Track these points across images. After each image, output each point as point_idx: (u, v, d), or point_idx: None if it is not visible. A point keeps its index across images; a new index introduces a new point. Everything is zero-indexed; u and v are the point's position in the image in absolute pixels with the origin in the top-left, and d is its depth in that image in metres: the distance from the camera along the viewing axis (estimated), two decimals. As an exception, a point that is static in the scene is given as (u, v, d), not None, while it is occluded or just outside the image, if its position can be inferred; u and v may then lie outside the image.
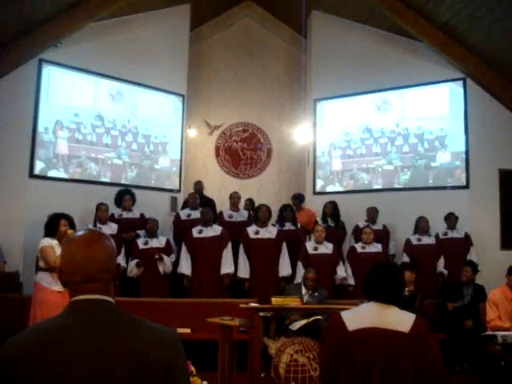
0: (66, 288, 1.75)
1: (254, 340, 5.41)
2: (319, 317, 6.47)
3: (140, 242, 8.17)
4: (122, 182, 9.71)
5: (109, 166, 9.65)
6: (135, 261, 7.95)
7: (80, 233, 1.79)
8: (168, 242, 8.38)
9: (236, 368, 6.04)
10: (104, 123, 9.65)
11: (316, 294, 7.13)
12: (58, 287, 5.82)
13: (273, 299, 5.63)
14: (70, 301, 1.72)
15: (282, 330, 6.70)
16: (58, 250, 5.93)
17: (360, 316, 2.88)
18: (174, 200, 10.18)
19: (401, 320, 2.83)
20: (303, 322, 6.58)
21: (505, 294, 6.86)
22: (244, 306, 5.55)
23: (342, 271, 8.16)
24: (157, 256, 7.99)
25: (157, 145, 10.32)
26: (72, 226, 6.30)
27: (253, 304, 5.78)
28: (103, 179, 9.56)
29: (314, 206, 9.94)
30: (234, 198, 9.26)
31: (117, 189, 9.11)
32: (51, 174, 8.99)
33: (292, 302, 5.73)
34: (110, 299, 1.72)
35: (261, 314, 5.55)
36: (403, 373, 2.69)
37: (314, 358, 5.16)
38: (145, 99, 10.21)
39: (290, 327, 6.71)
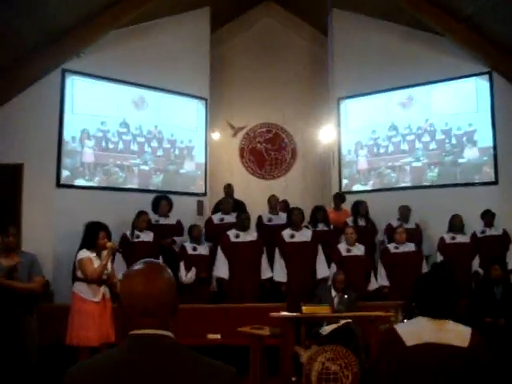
0: (126, 320, 1.75)
1: (285, 347, 5.42)
2: (349, 320, 6.46)
3: (189, 248, 8.20)
4: (150, 188, 9.75)
5: (135, 173, 9.70)
6: (194, 270, 8.02)
7: (139, 266, 1.79)
8: (210, 249, 8.40)
9: (268, 372, 6.01)
10: (130, 130, 9.71)
11: (346, 296, 7.10)
12: (96, 298, 5.97)
13: (303, 308, 5.61)
14: (129, 334, 1.72)
15: (313, 334, 6.70)
16: (97, 263, 6.09)
17: (417, 330, 2.76)
18: (200, 204, 10.18)
19: (459, 334, 2.75)
20: (334, 325, 6.56)
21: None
22: (274, 314, 5.55)
23: (373, 281, 8.13)
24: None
25: (182, 149, 10.33)
26: (109, 236, 6.37)
27: (283, 313, 5.76)
28: (130, 186, 9.61)
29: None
30: (273, 202, 9.20)
31: (144, 195, 9.18)
32: (78, 182, 9.07)
33: (322, 310, 5.71)
34: (169, 334, 1.72)
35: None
36: None
37: (346, 366, 5.12)
38: (168, 104, 10.22)
39: (321, 331, 6.70)
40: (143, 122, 9.90)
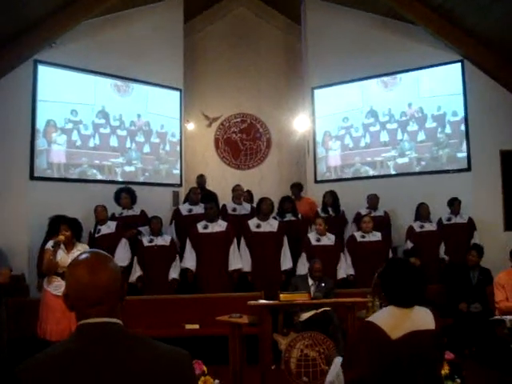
0: (73, 311, 1.74)
1: (264, 335, 5.43)
2: (328, 308, 6.51)
3: (145, 240, 8.12)
4: (123, 179, 9.67)
5: (107, 167, 9.65)
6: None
7: (84, 256, 1.78)
8: (172, 240, 8.29)
9: (247, 361, 6.03)
10: (109, 121, 9.67)
11: (323, 284, 7.14)
12: (56, 291, 5.86)
13: (281, 295, 5.62)
14: (77, 324, 1.71)
15: (291, 322, 6.75)
16: (60, 255, 6.00)
17: (395, 321, 2.80)
18: (175, 195, 10.15)
19: (425, 318, 2.85)
20: (311, 312, 6.61)
21: (510, 275, 6.83)
22: (252, 302, 5.56)
23: (342, 271, 8.13)
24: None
25: (159, 141, 10.32)
26: (77, 228, 6.28)
27: (261, 301, 5.78)
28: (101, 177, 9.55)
29: (316, 194, 9.92)
30: (237, 191, 9.20)
31: (120, 186, 9.14)
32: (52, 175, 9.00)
33: (300, 297, 5.74)
34: (118, 321, 1.72)
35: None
36: (437, 366, 2.86)
37: (324, 352, 5.18)
38: (143, 95, 10.14)
39: (299, 319, 6.75)
40: (125, 112, 9.87)
